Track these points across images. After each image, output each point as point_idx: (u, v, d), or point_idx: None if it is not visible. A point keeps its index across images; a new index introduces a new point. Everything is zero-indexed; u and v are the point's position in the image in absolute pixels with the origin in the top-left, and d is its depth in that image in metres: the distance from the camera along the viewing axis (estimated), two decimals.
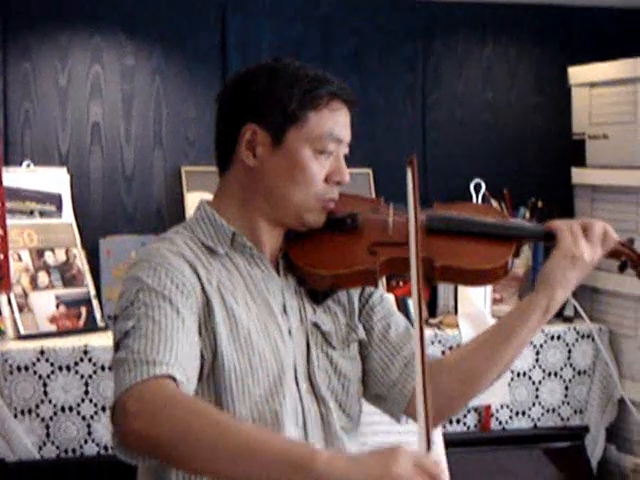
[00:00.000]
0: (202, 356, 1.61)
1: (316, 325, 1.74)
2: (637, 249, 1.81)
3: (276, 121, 1.67)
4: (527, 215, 3.01)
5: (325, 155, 1.69)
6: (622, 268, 1.81)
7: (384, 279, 2.84)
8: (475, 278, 1.75)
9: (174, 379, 1.50)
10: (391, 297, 2.79)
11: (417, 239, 1.57)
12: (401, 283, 2.85)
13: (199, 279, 1.64)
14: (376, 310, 1.82)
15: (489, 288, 2.87)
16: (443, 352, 2.75)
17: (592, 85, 3.02)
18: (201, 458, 1.43)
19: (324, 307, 1.77)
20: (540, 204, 3.03)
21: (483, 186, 2.96)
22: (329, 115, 1.69)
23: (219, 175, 1.76)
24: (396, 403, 1.79)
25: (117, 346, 1.57)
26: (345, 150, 1.73)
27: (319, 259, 1.73)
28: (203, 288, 1.64)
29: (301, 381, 1.70)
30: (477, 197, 2.96)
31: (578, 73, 3.08)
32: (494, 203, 3.01)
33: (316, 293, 1.76)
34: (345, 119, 1.73)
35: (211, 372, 1.63)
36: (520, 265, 2.97)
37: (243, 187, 1.71)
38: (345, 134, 1.72)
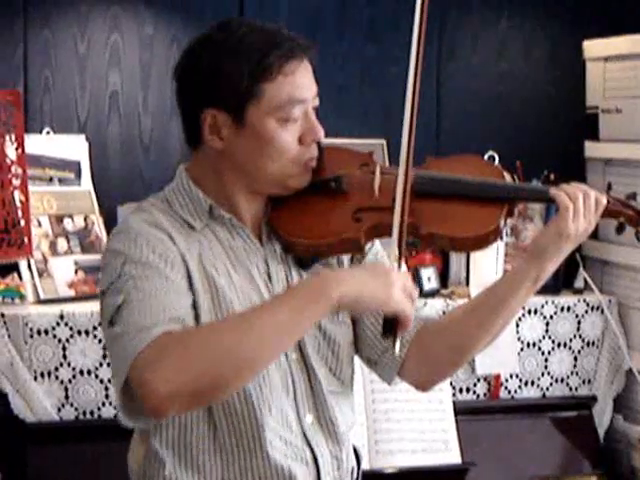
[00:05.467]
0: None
1: None
2: (635, 205, 1.73)
3: (232, 101, 1.61)
4: None
5: (292, 121, 1.63)
6: (619, 229, 1.74)
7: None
8: (464, 245, 1.70)
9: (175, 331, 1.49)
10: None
11: (410, 137, 1.60)
12: (414, 252, 2.88)
13: (178, 249, 1.61)
14: None
15: (501, 258, 2.89)
16: None
17: (606, 59, 3.02)
18: (248, 358, 1.47)
19: (312, 272, 1.72)
20: (552, 177, 3.05)
21: (496, 158, 2.98)
22: (285, 81, 1.61)
23: (191, 150, 1.71)
24: (388, 368, 1.76)
25: (110, 322, 1.54)
26: (314, 104, 1.67)
27: (301, 227, 1.68)
28: (183, 258, 1.61)
29: (290, 351, 1.66)
30: None
31: (593, 47, 3.08)
32: (507, 175, 3.03)
33: (302, 259, 1.71)
34: (304, 76, 1.64)
35: None
36: (531, 235, 2.98)
37: (216, 165, 1.67)
38: (308, 92, 1.65)
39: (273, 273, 1.69)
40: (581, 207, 1.66)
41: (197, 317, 1.60)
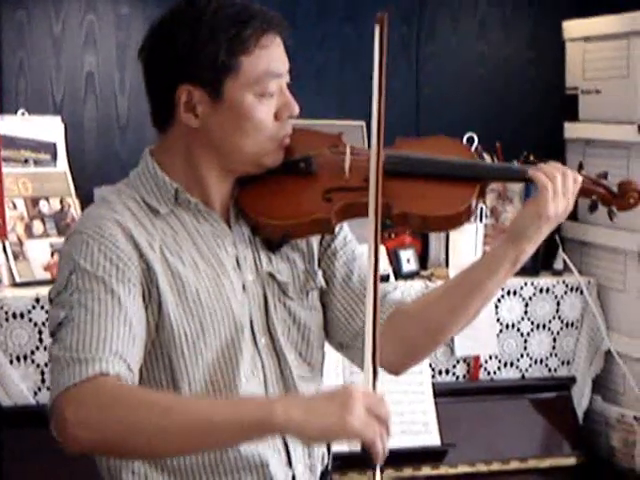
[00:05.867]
0: (149, 327, 1.56)
1: (271, 275, 1.67)
2: (608, 184, 1.72)
3: (209, 76, 1.58)
4: None
5: (268, 95, 1.61)
6: (592, 208, 1.72)
7: None
8: (435, 224, 1.68)
9: (110, 375, 1.45)
10: (381, 248, 2.81)
11: (380, 119, 1.52)
12: (393, 235, 2.87)
13: (136, 246, 1.56)
14: (338, 255, 1.75)
15: (480, 240, 2.89)
16: None
17: (586, 39, 3.02)
18: (160, 449, 1.42)
19: (281, 254, 1.70)
20: (532, 158, 3.04)
21: (476, 139, 2.97)
22: (261, 54, 1.60)
23: (158, 132, 1.67)
24: (360, 352, 1.68)
25: (52, 335, 1.52)
26: (286, 79, 1.65)
27: (271, 208, 1.65)
28: (142, 255, 1.56)
29: (259, 335, 1.64)
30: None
31: (572, 27, 3.07)
32: (487, 157, 3.02)
33: (271, 241, 1.69)
34: (279, 50, 1.63)
35: (157, 340, 1.57)
36: (511, 216, 2.98)
37: (189, 145, 1.63)
38: (283, 66, 1.64)
39: (241, 257, 1.66)
40: (560, 187, 1.65)
41: (164, 313, 1.57)
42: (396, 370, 1.77)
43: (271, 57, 1.61)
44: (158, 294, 1.57)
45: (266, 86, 1.60)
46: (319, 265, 1.75)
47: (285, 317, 1.68)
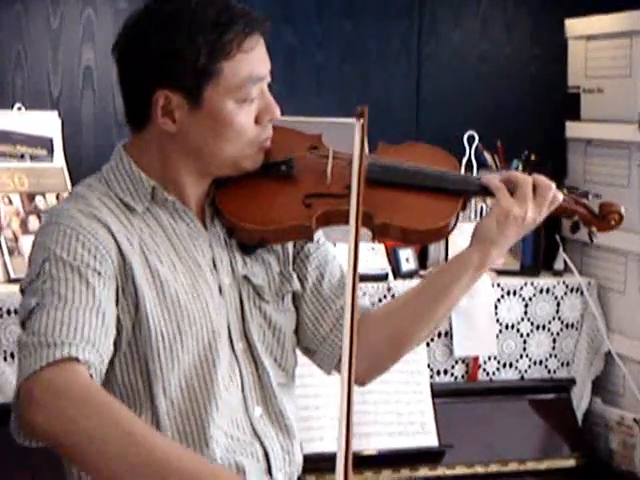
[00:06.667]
0: (120, 325, 1.49)
1: (247, 278, 1.63)
2: (589, 204, 1.69)
3: (188, 82, 1.51)
4: (520, 168, 3.00)
5: (249, 101, 1.55)
6: (574, 229, 1.70)
7: None
8: (416, 237, 1.64)
9: (80, 360, 1.38)
10: (380, 247, 2.79)
11: (359, 200, 1.44)
12: (377, 241, 2.84)
13: (115, 241, 1.51)
14: (311, 258, 1.71)
15: None
16: None
17: (588, 38, 3.00)
18: (102, 466, 1.33)
19: (256, 257, 1.65)
20: (533, 157, 3.03)
21: (476, 138, 2.95)
22: (243, 58, 1.53)
23: (131, 131, 1.60)
24: (326, 358, 1.70)
25: (22, 325, 1.46)
26: (267, 80, 1.59)
27: (249, 212, 1.60)
28: (120, 250, 1.51)
29: (236, 340, 1.60)
30: (470, 149, 2.95)
31: (575, 25, 3.05)
32: (487, 156, 3.00)
33: (246, 244, 1.64)
34: (261, 52, 1.57)
35: (134, 340, 1.52)
36: None
37: (165, 148, 1.57)
38: (265, 69, 1.58)
39: (218, 260, 1.61)
40: (529, 191, 1.61)
41: (142, 311, 1.51)
42: (361, 380, 1.72)
43: (253, 61, 1.55)
44: (135, 291, 1.51)
45: (248, 92, 1.54)
46: (293, 267, 1.71)
47: (261, 322, 1.64)
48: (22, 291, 1.51)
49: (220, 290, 1.60)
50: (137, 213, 1.57)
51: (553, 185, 1.64)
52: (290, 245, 1.70)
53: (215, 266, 1.61)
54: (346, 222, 1.47)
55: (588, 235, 1.72)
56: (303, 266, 1.71)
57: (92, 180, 1.61)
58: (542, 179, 1.64)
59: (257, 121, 1.58)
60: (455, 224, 1.64)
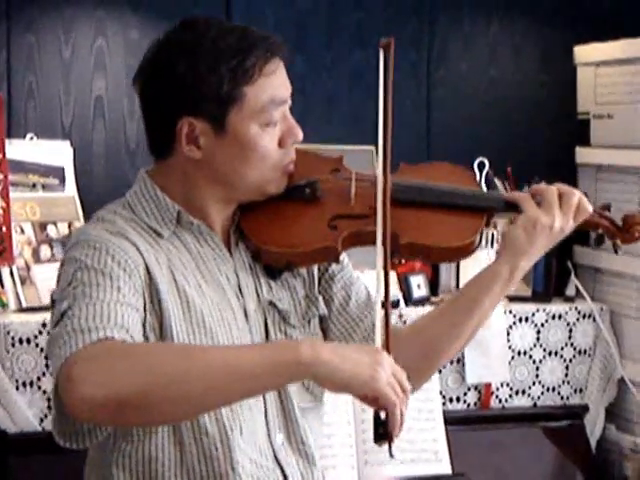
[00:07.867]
0: (145, 341, 1.48)
1: (272, 304, 1.63)
2: (614, 218, 1.70)
3: (212, 108, 1.53)
4: None
5: (272, 125, 1.57)
6: (599, 242, 1.71)
7: None
8: (442, 255, 1.65)
9: (115, 339, 1.37)
10: (392, 274, 2.79)
11: (386, 141, 1.48)
12: (403, 260, 2.85)
13: (143, 258, 1.51)
14: (336, 279, 1.71)
15: None
16: None
17: (598, 64, 3.00)
18: (178, 394, 1.31)
19: (281, 281, 1.65)
20: (544, 183, 3.02)
21: (487, 164, 2.96)
22: (265, 82, 1.55)
23: (155, 159, 1.62)
24: None
25: (54, 327, 1.44)
26: (289, 104, 1.60)
27: (275, 236, 1.60)
28: (147, 268, 1.51)
29: None
30: (481, 175, 2.95)
31: (584, 52, 3.06)
32: (498, 182, 3.01)
33: (272, 268, 1.64)
34: (282, 75, 1.59)
35: None
36: None
37: (190, 174, 1.58)
38: (286, 92, 1.59)
39: (243, 285, 1.62)
40: (554, 200, 1.63)
41: (167, 328, 1.51)
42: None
43: (275, 84, 1.57)
44: (160, 310, 1.51)
45: (271, 115, 1.56)
46: (318, 290, 1.71)
47: None
48: (52, 302, 1.52)
49: (245, 315, 1.61)
50: (163, 237, 1.58)
51: (577, 192, 1.66)
52: (315, 268, 1.70)
53: (241, 292, 1.61)
54: (372, 242, 1.48)
55: (613, 247, 1.71)
56: (329, 287, 1.71)
57: (115, 206, 1.62)
58: (566, 187, 1.67)
59: (280, 144, 1.59)
60: (480, 241, 1.64)
